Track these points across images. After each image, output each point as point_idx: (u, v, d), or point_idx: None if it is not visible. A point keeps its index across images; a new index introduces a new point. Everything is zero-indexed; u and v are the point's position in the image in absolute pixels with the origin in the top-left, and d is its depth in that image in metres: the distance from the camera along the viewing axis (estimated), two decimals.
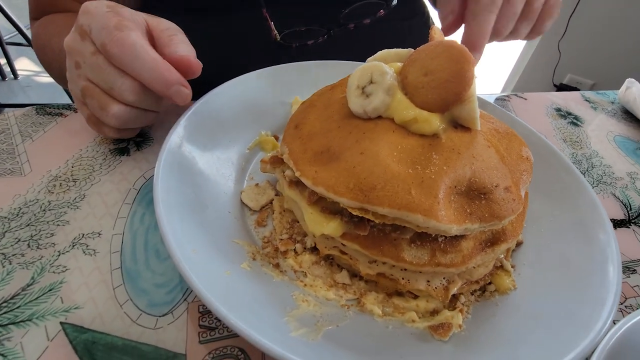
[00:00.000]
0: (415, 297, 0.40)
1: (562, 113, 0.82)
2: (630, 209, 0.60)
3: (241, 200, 0.48)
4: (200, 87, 0.53)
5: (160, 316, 0.38)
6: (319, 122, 0.42)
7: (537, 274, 0.43)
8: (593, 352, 0.31)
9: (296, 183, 0.42)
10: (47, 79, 2.77)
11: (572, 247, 0.44)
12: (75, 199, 0.47)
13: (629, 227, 0.57)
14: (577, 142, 0.74)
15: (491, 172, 0.36)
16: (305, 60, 0.65)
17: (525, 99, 0.86)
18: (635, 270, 0.51)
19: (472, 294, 0.42)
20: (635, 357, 0.32)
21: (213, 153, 0.50)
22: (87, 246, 0.42)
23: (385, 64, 0.40)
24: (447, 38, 0.41)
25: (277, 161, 0.47)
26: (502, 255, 0.44)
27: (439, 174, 0.34)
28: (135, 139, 0.57)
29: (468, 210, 0.35)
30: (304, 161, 0.39)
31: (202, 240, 0.37)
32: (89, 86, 0.46)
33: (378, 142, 0.36)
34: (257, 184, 0.50)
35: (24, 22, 2.36)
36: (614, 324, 0.34)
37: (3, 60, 2.83)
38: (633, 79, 0.87)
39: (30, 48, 2.34)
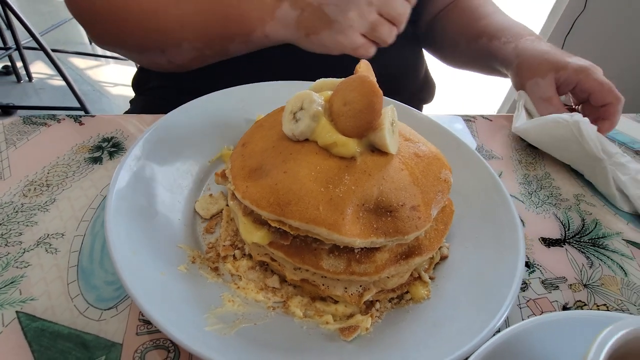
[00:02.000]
0: (336, 302, 0.45)
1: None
2: (568, 229, 0.64)
3: (194, 209, 0.53)
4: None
5: (105, 309, 0.43)
6: (261, 141, 0.47)
7: (453, 286, 0.47)
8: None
9: (236, 196, 0.47)
10: (59, 82, 2.88)
11: (488, 262, 0.48)
12: (46, 202, 0.53)
13: (562, 246, 0.60)
14: (532, 164, 0.78)
15: (399, 192, 0.41)
16: None
17: (491, 120, 0.90)
18: (557, 286, 0.54)
19: (389, 301, 0.46)
20: None
21: (173, 165, 0.55)
22: (50, 245, 0.48)
23: (320, 91, 0.46)
24: None
25: (226, 175, 0.52)
26: (425, 267, 0.48)
27: (347, 193, 0.39)
28: (109, 149, 0.63)
29: (375, 226, 0.40)
30: (240, 177, 0.44)
31: (145, 244, 0.42)
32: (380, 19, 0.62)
33: (300, 163, 0.41)
34: (211, 195, 0.55)
35: (38, 29, 2.49)
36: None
37: (20, 64, 2.97)
38: (522, 92, 0.84)
39: (42, 52, 2.46)
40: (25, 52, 2.91)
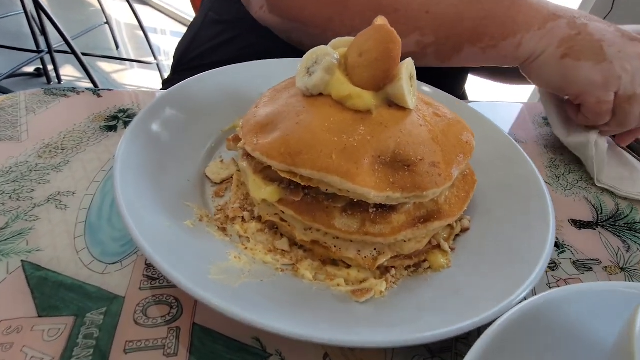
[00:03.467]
0: (349, 267, 0.42)
1: (549, 122, 0.82)
2: (601, 212, 0.59)
3: (204, 174, 0.52)
4: None
5: (110, 264, 0.41)
6: (273, 101, 0.46)
7: (474, 257, 0.43)
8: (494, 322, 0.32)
9: (247, 155, 0.46)
10: (87, 84, 3.00)
11: (514, 234, 0.44)
12: (59, 163, 0.53)
13: (594, 229, 0.56)
14: (559, 149, 0.73)
15: (417, 146, 0.38)
16: None
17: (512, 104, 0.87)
18: (591, 268, 0.50)
19: (406, 269, 0.43)
20: (537, 334, 0.32)
21: (186, 129, 0.54)
22: (60, 202, 0.47)
23: (335, 49, 0.44)
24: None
25: (238, 139, 0.50)
26: (444, 237, 0.45)
27: (362, 143, 0.37)
28: (124, 119, 0.63)
29: (391, 180, 0.37)
30: (251, 132, 0.42)
31: (153, 198, 0.41)
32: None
33: (313, 115, 0.39)
34: (222, 160, 0.54)
35: (70, 34, 2.60)
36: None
37: (50, 67, 3.11)
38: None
39: (72, 56, 2.56)
40: (56, 56, 3.04)
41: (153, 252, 0.33)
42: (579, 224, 0.56)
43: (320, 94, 0.41)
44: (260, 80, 0.66)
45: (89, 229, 0.45)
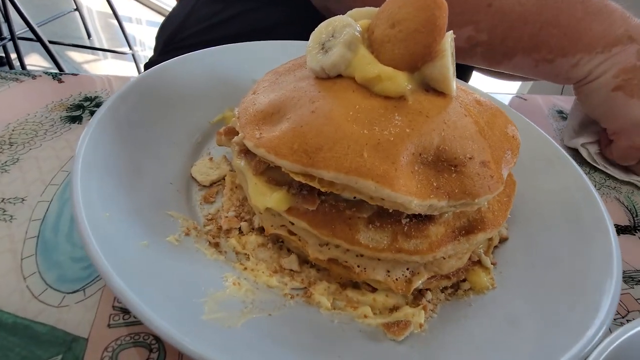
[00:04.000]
0: (374, 290, 0.34)
1: (564, 115, 0.76)
2: (637, 215, 0.54)
3: (190, 175, 0.43)
4: None
5: (68, 293, 0.32)
6: (276, 86, 0.37)
7: (521, 274, 0.36)
8: None
9: (245, 152, 0.37)
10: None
11: (565, 246, 0.37)
12: (6, 162, 0.42)
13: (634, 234, 0.50)
14: None
15: (465, 142, 0.31)
16: None
17: (525, 100, 0.81)
18: (639, 281, 0.44)
19: (442, 291, 0.35)
20: None
21: (167, 120, 0.45)
22: (4, 211, 0.37)
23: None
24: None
25: (231, 132, 0.41)
26: (482, 250, 0.38)
27: (400, 136, 0.29)
28: (91, 108, 0.53)
29: (435, 184, 0.29)
30: (252, 123, 0.34)
31: (123, 206, 0.32)
32: None
33: (334, 101, 0.31)
34: (211, 158, 0.45)
35: (35, 20, 2.39)
36: (610, 332, 0.27)
37: (14, 55, 2.87)
38: None
39: (38, 44, 2.37)
40: (20, 43, 2.81)
41: (126, 288, 0.24)
42: (618, 229, 0.50)
43: (339, 76, 0.33)
44: (254, 63, 0.56)
45: (41, 247, 0.35)
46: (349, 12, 0.39)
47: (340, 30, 0.33)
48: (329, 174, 0.27)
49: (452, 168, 0.30)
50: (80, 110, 0.52)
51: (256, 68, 0.56)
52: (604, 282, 0.32)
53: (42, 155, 0.44)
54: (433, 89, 0.33)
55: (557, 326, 0.29)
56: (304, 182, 0.29)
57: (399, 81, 0.31)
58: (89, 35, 3.32)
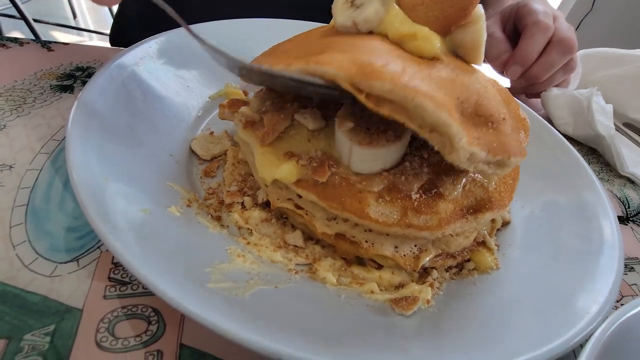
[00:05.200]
0: (379, 267, 0.34)
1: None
2: (629, 207, 0.55)
3: (190, 148, 0.41)
4: None
5: (60, 263, 0.30)
6: (297, 40, 0.36)
7: (524, 256, 0.36)
8: (587, 341, 0.25)
9: (251, 124, 0.36)
10: None
11: (567, 229, 0.38)
12: None
13: (626, 225, 0.51)
14: (572, 140, 0.69)
15: (497, 105, 0.30)
16: None
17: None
18: (633, 268, 0.44)
19: (447, 270, 0.35)
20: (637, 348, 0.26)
21: (167, 90, 0.43)
22: None
23: None
24: None
25: (236, 104, 0.40)
26: (486, 231, 0.38)
27: (449, 79, 0.28)
28: (83, 78, 0.50)
29: (475, 134, 0.28)
30: (277, 61, 0.31)
31: (122, 172, 0.30)
32: None
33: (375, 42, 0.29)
34: (212, 132, 0.43)
35: None
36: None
37: None
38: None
39: (23, 22, 2.27)
40: (2, 20, 2.69)
41: (125, 249, 0.23)
42: None
43: (370, 33, 0.32)
44: (258, 40, 0.54)
45: (31, 216, 0.33)
46: None
47: None
48: (384, 85, 0.25)
49: (490, 124, 0.29)
50: (72, 79, 0.49)
51: (260, 45, 0.54)
52: (606, 264, 0.32)
53: (31, 123, 0.42)
54: (460, 57, 0.32)
55: (562, 305, 0.29)
56: (350, 91, 0.26)
57: (434, 41, 0.30)
58: (74, 16, 3.21)
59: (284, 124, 0.33)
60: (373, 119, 0.32)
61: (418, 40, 0.29)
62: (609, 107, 0.62)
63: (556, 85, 0.66)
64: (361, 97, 0.26)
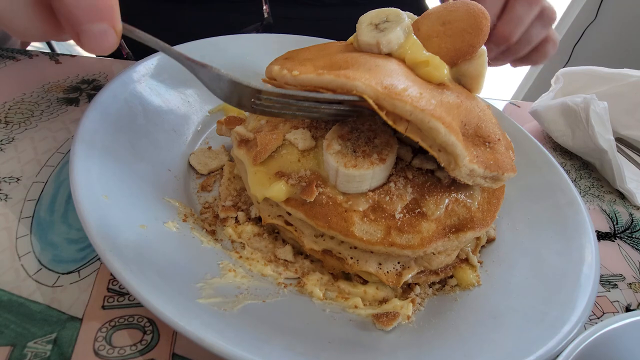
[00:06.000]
0: (365, 282, 0.35)
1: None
2: (617, 223, 0.56)
3: (188, 162, 0.43)
4: None
5: (63, 273, 0.32)
6: (316, 51, 0.38)
7: (505, 272, 0.38)
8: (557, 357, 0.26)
9: (245, 142, 0.37)
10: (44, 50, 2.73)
11: (548, 248, 0.39)
12: (1, 140, 0.42)
13: (613, 241, 0.52)
14: (568, 153, 0.70)
15: (494, 127, 0.34)
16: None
17: (519, 107, 0.83)
18: (616, 284, 0.46)
19: (430, 286, 0.37)
20: None
21: (168, 107, 0.45)
22: (0, 190, 0.37)
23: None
24: None
25: (233, 122, 0.42)
26: (470, 249, 0.39)
27: (456, 104, 0.31)
28: (88, 91, 0.52)
29: (474, 153, 0.31)
30: (305, 69, 0.33)
31: (122, 189, 0.32)
32: None
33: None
34: (210, 147, 0.45)
35: None
36: (585, 330, 0.29)
37: None
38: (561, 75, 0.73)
39: None
40: None
41: (124, 268, 0.24)
42: (598, 235, 0.53)
43: (389, 55, 0.34)
44: (258, 55, 0.56)
45: (37, 227, 0.35)
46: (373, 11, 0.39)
47: (395, 17, 0.35)
48: (405, 107, 0.28)
49: (487, 144, 0.32)
50: (78, 92, 0.52)
51: (259, 60, 0.56)
52: (582, 283, 0.33)
53: (38, 135, 0.44)
54: (462, 86, 0.35)
55: (537, 322, 0.31)
56: (374, 107, 0.29)
57: (443, 70, 0.33)
58: None
59: (275, 144, 0.35)
60: (360, 142, 0.33)
61: (430, 67, 0.33)
62: (607, 116, 0.62)
63: (541, 46, 0.53)
64: (382, 113, 0.29)
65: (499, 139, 0.33)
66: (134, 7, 0.71)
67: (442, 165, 0.31)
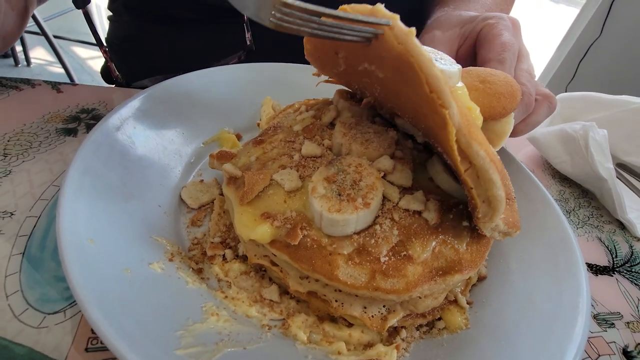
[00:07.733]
0: (350, 325, 0.35)
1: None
2: (616, 256, 0.55)
3: (180, 196, 0.44)
4: None
5: (49, 313, 0.32)
6: None
7: (495, 314, 0.37)
8: None
9: (234, 180, 0.38)
10: (59, 69, 2.80)
11: (539, 288, 0.38)
12: None
13: (612, 276, 0.51)
14: (567, 180, 0.69)
15: (511, 183, 0.34)
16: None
17: None
18: (613, 324, 0.45)
19: (417, 329, 0.36)
20: None
21: (160, 141, 0.46)
22: None
23: None
24: None
25: (224, 157, 0.42)
26: (460, 289, 0.39)
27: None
28: (87, 121, 0.53)
29: None
30: None
31: (109, 231, 0.33)
32: None
33: None
34: (202, 181, 0.46)
35: (42, 15, 2.42)
36: None
37: (19, 48, 2.88)
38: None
39: (43, 38, 2.40)
40: (26, 36, 2.83)
41: (100, 318, 0.25)
42: (595, 269, 0.52)
43: None
44: (252, 84, 0.58)
45: (26, 265, 0.35)
46: None
47: (449, 60, 0.37)
48: (480, 150, 0.28)
49: (507, 201, 0.32)
50: (76, 122, 0.53)
51: (254, 89, 0.58)
52: (572, 327, 0.33)
53: (35, 168, 0.45)
54: None
55: None
56: (450, 131, 0.27)
57: (481, 121, 0.36)
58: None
59: (262, 184, 0.35)
60: (345, 185, 0.34)
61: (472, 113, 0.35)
62: (606, 144, 0.61)
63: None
64: (454, 147, 0.28)
65: (514, 197, 0.36)
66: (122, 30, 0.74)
67: (478, 215, 0.31)
